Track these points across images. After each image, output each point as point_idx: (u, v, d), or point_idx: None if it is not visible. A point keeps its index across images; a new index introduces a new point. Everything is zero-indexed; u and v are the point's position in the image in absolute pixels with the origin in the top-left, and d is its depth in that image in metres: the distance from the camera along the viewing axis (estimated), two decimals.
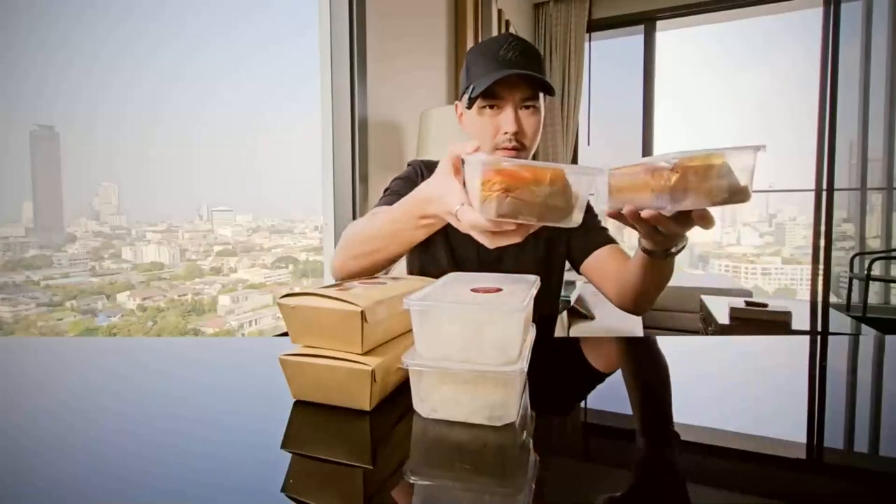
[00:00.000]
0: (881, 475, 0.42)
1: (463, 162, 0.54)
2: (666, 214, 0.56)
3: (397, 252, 0.73)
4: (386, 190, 1.03)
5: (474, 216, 0.51)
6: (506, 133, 0.91)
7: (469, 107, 0.96)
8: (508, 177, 0.47)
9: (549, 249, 1.04)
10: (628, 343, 0.85)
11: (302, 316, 0.55)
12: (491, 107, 0.93)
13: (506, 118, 0.91)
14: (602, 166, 0.58)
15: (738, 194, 0.51)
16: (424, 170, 1.05)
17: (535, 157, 3.83)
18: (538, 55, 0.95)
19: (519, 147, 0.92)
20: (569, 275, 1.31)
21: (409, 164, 1.07)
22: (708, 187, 0.51)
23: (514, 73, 0.88)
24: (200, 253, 2.27)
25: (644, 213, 0.57)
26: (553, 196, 0.49)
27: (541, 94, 0.94)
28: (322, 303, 0.54)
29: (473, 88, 0.92)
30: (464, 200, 0.53)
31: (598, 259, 1.00)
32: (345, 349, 0.53)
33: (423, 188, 0.62)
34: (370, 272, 0.78)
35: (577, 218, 0.51)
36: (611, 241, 1.03)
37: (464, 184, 0.55)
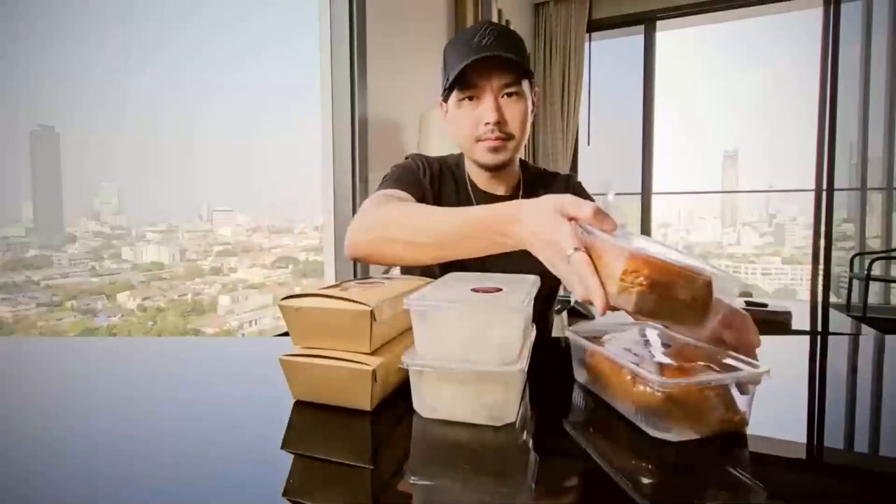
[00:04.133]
0: (881, 475, 0.42)
1: (585, 231, 0.48)
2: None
3: (449, 255, 0.67)
4: (385, 176, 0.99)
5: (590, 278, 0.46)
6: (487, 124, 0.87)
7: (445, 99, 0.93)
8: (657, 272, 0.43)
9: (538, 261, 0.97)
10: None
11: (305, 317, 0.55)
12: (470, 98, 0.88)
13: (485, 108, 0.87)
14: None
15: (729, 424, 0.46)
16: (424, 163, 1.00)
17: (533, 158, 3.79)
18: (516, 39, 0.89)
19: (504, 137, 0.88)
20: None
21: (407, 157, 1.03)
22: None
23: (483, 56, 0.82)
24: (200, 253, 2.27)
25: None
26: (695, 302, 0.44)
27: (525, 81, 0.89)
28: (327, 303, 0.54)
29: (448, 79, 0.88)
30: (576, 245, 0.47)
31: None
32: (351, 349, 0.53)
33: (516, 211, 0.56)
34: (402, 263, 0.76)
35: (709, 326, 0.47)
36: None
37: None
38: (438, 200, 0.97)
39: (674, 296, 0.43)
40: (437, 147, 2.05)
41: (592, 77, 4.07)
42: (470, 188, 0.99)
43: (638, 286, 0.43)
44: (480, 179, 1.00)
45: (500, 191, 0.99)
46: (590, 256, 0.47)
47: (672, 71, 4.08)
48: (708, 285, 0.44)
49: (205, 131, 2.18)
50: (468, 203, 0.97)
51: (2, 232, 1.74)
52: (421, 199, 0.92)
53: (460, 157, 1.03)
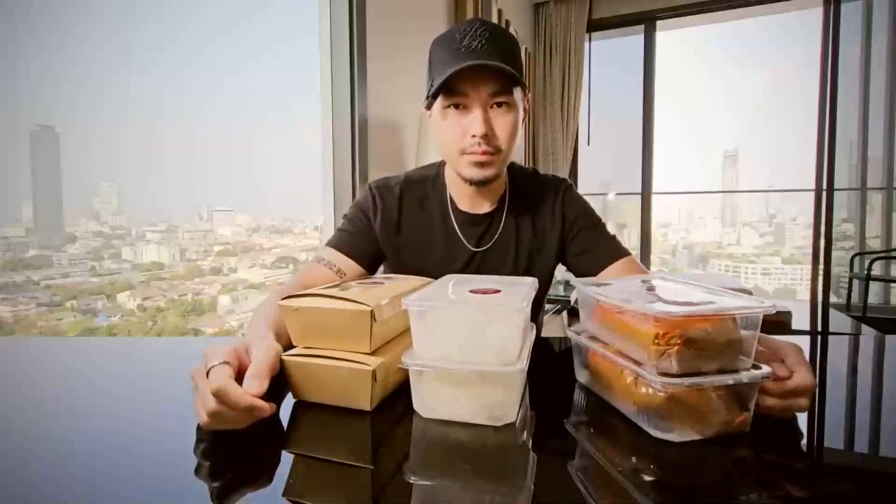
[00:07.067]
0: (881, 475, 0.42)
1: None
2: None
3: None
4: (344, 216, 0.96)
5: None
6: (473, 136, 0.80)
7: (428, 107, 0.87)
8: (686, 327, 0.44)
9: (528, 271, 0.93)
10: None
11: (306, 318, 0.55)
12: (456, 106, 0.81)
13: (473, 119, 0.79)
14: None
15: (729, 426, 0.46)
16: (379, 198, 0.94)
17: (533, 158, 3.78)
18: (509, 43, 0.81)
19: (492, 151, 0.81)
20: (568, 275, 1.30)
21: (367, 186, 0.97)
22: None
23: (471, 64, 0.75)
24: (200, 253, 2.27)
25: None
26: (731, 343, 0.46)
27: (517, 89, 0.81)
28: (328, 304, 0.54)
29: (432, 86, 0.81)
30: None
31: (610, 276, 0.87)
32: (351, 349, 0.53)
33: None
34: None
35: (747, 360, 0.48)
36: (622, 253, 0.90)
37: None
38: (403, 229, 0.93)
39: (711, 342, 0.45)
40: (437, 148, 2.04)
41: (592, 77, 4.07)
42: (450, 208, 0.93)
43: (675, 346, 0.44)
44: (463, 196, 0.94)
45: (483, 208, 0.93)
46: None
47: (672, 71, 4.08)
48: (734, 321, 0.46)
49: (205, 131, 2.18)
50: (448, 227, 0.92)
51: (2, 232, 1.74)
52: (365, 251, 0.90)
53: (440, 168, 0.98)
